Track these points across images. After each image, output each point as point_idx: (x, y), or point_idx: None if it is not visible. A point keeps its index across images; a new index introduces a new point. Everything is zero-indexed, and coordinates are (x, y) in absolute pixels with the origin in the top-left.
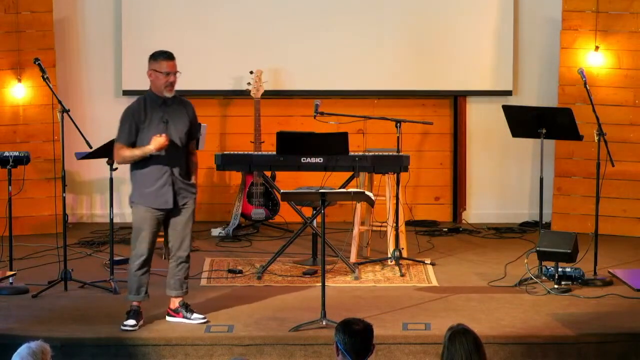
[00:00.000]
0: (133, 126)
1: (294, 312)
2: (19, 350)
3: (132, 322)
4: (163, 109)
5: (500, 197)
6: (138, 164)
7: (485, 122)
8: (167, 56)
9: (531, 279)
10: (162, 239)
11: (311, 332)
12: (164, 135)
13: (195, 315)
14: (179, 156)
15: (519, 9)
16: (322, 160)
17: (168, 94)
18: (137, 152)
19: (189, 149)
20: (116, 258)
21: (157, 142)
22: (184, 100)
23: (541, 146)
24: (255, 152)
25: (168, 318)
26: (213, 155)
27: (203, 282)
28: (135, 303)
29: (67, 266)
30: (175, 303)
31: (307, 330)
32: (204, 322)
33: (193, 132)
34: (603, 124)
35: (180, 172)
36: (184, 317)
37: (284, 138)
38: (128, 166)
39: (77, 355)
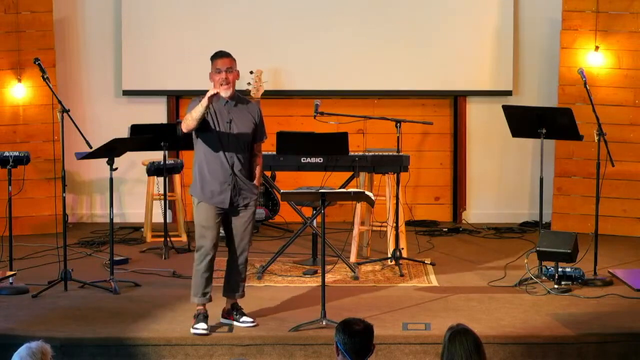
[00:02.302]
0: None
1: (294, 312)
2: (18, 351)
3: (203, 325)
4: (228, 109)
5: (500, 197)
6: (202, 161)
7: (485, 122)
8: (221, 54)
9: (531, 279)
10: (162, 239)
11: (311, 332)
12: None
13: (244, 318)
14: (242, 156)
15: (519, 9)
16: (322, 160)
17: (223, 93)
18: (196, 108)
19: (255, 150)
20: (116, 258)
21: (209, 93)
22: (250, 102)
23: (541, 146)
24: None
25: (221, 319)
26: None
27: None
28: (200, 305)
29: (67, 266)
30: (228, 305)
31: (307, 330)
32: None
33: (258, 134)
34: (603, 124)
35: (243, 172)
36: (234, 319)
37: (284, 138)
38: (133, 166)
39: (77, 355)
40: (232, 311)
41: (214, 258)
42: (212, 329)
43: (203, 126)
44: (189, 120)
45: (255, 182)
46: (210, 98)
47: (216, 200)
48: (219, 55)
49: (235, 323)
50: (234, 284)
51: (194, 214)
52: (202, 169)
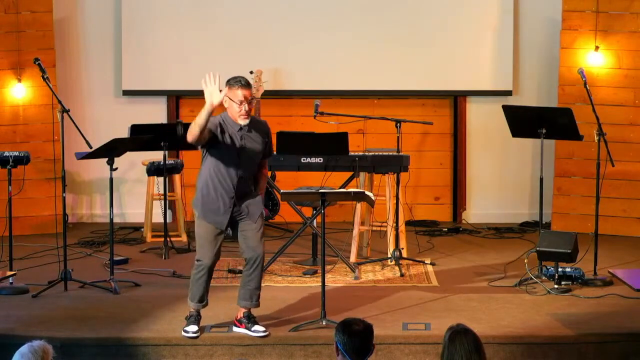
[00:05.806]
0: (214, 127)
1: (294, 312)
2: (20, 349)
3: (194, 327)
4: (241, 135)
5: (500, 197)
6: (207, 179)
7: (485, 122)
8: (242, 84)
9: (531, 279)
10: (162, 239)
11: (311, 332)
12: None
13: (256, 327)
14: (248, 178)
15: (519, 8)
16: (322, 160)
17: (242, 122)
18: (200, 114)
19: (261, 164)
20: (116, 258)
21: (215, 101)
22: (260, 122)
23: (541, 146)
24: None
25: (234, 328)
26: None
27: None
28: (193, 309)
29: (67, 266)
30: (240, 313)
31: (307, 330)
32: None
33: (266, 151)
34: (603, 124)
35: (246, 192)
36: (245, 327)
37: (284, 138)
38: (133, 166)
39: (77, 355)
40: (244, 319)
41: (212, 268)
42: (208, 330)
43: (213, 147)
44: (194, 125)
45: (258, 191)
46: (213, 104)
47: (214, 220)
48: (241, 84)
49: (247, 332)
50: (247, 293)
51: (195, 226)
52: (206, 186)
